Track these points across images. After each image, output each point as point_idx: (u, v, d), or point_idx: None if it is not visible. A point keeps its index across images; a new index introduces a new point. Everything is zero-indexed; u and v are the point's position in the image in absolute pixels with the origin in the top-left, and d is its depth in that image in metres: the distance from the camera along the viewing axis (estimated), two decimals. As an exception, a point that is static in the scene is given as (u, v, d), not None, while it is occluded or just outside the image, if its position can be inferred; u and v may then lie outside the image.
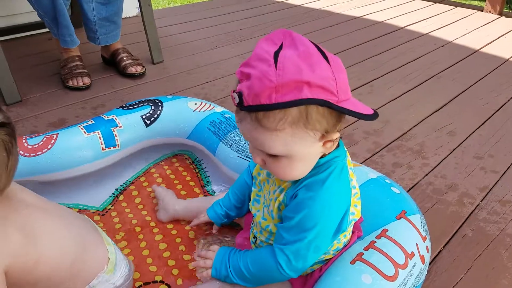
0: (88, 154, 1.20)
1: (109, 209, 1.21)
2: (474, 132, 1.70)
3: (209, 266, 0.90)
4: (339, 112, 0.68)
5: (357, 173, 0.90)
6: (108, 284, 0.87)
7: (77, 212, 1.16)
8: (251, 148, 0.76)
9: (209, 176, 1.36)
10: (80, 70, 1.94)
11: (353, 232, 0.88)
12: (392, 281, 0.81)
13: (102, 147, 1.22)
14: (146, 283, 1.00)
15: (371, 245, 0.87)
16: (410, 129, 1.70)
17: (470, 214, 1.26)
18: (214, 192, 1.30)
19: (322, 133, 0.69)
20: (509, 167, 1.48)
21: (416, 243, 0.91)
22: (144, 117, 1.33)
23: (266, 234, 0.87)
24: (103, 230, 0.98)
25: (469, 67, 2.36)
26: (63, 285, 0.80)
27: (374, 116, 0.70)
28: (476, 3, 3.90)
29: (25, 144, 1.15)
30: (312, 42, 0.68)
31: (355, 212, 0.84)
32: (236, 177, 1.23)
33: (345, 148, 0.81)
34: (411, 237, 0.92)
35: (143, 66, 2.11)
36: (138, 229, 1.15)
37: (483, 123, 1.76)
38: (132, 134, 1.30)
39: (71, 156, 1.17)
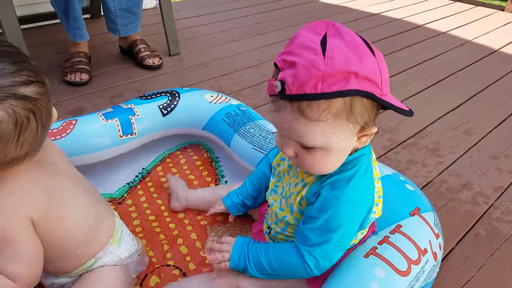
0: (105, 141, 1.22)
1: (125, 197, 1.23)
2: (490, 132, 1.68)
3: (227, 259, 0.88)
4: (381, 105, 0.66)
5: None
6: (113, 256, 0.90)
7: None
8: (282, 139, 0.73)
9: (222, 167, 1.37)
10: (81, 66, 1.92)
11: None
12: (405, 276, 0.81)
13: (120, 134, 1.25)
14: (159, 267, 1.02)
15: (385, 240, 0.87)
16: (426, 127, 1.69)
17: (484, 213, 1.25)
18: (226, 183, 1.31)
19: (362, 126, 0.69)
20: (525, 168, 1.46)
21: (429, 240, 0.91)
22: (161, 107, 1.34)
23: (282, 225, 0.87)
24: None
25: (487, 66, 2.33)
26: (76, 252, 0.85)
27: (410, 112, 0.69)
28: (497, 2, 3.83)
29: (45, 129, 1.17)
30: (356, 33, 0.67)
31: (376, 211, 0.83)
32: (250, 168, 1.25)
33: (371, 147, 0.80)
34: (424, 233, 0.92)
35: (160, 58, 2.13)
36: (152, 217, 1.17)
37: (500, 123, 1.74)
38: (149, 123, 1.31)
39: (89, 141, 1.20)
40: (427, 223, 0.94)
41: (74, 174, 0.88)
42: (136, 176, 1.32)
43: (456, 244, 1.14)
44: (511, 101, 1.94)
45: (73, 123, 1.20)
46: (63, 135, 1.16)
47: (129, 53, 2.18)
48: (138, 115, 1.30)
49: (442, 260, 1.04)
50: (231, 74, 2.11)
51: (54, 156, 0.83)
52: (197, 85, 1.94)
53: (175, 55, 2.27)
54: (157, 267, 1.02)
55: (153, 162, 1.37)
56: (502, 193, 1.34)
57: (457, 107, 1.87)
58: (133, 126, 1.28)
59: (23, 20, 2.39)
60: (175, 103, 1.36)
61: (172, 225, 1.15)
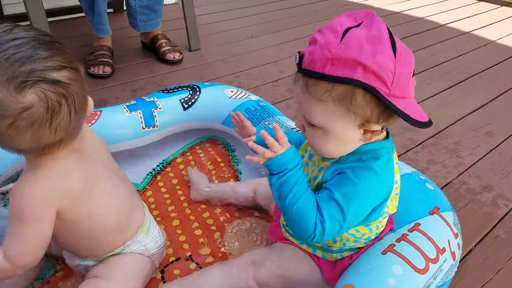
0: (128, 132, 1.25)
1: (147, 188, 1.26)
2: (513, 134, 1.65)
3: (268, 156, 0.75)
4: (385, 105, 0.66)
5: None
6: (140, 245, 0.93)
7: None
8: (296, 111, 0.77)
9: (239, 162, 1.38)
10: (104, 59, 1.96)
11: (385, 224, 0.88)
12: (423, 274, 0.81)
13: (142, 126, 1.27)
14: (177, 259, 1.04)
15: (403, 238, 0.87)
16: (447, 127, 1.67)
17: (504, 216, 1.23)
18: (243, 177, 1.32)
19: (363, 121, 0.69)
20: (548, 172, 1.44)
21: (448, 239, 0.91)
22: (182, 101, 1.37)
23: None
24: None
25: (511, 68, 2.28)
26: (107, 239, 0.87)
27: (422, 124, 0.67)
28: (523, 2, 3.74)
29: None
30: (389, 30, 0.67)
31: (390, 206, 0.83)
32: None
33: (392, 143, 0.79)
34: (443, 233, 0.92)
35: (181, 53, 2.16)
36: (171, 208, 1.19)
37: (523, 126, 1.71)
38: (171, 116, 1.34)
39: (113, 132, 1.23)
40: (446, 222, 0.94)
41: (112, 166, 0.90)
42: (158, 165, 1.34)
43: (475, 246, 1.13)
44: (535, 103, 1.90)
45: (98, 114, 1.22)
46: (88, 125, 1.19)
47: (151, 48, 2.21)
48: (160, 108, 1.32)
49: (460, 261, 1.03)
50: (250, 70, 2.12)
51: (94, 146, 0.84)
52: (216, 80, 1.96)
53: (195, 51, 2.29)
54: (175, 259, 1.04)
55: (173, 155, 1.40)
56: (523, 196, 1.32)
57: (479, 108, 1.84)
58: (155, 118, 1.30)
59: (50, 13, 2.44)
60: (196, 97, 1.38)
61: (191, 217, 1.16)
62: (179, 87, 1.41)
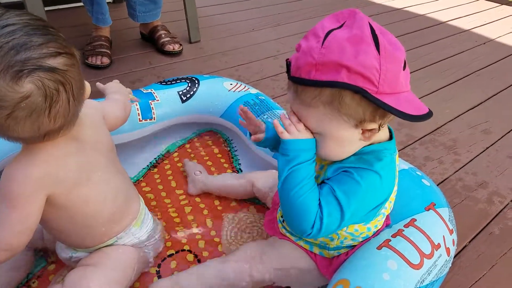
0: (125, 124, 1.24)
1: (141, 180, 1.26)
2: (509, 132, 1.65)
3: (286, 137, 0.73)
4: (374, 103, 0.65)
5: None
6: (133, 237, 0.93)
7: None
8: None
9: (238, 155, 1.38)
10: (103, 50, 1.95)
11: (383, 223, 0.89)
12: (417, 269, 0.82)
13: (139, 118, 1.27)
14: (177, 252, 1.04)
15: (398, 233, 0.87)
16: (444, 124, 1.68)
17: (499, 213, 1.24)
18: (241, 171, 1.32)
19: (357, 121, 0.68)
20: (544, 170, 1.45)
21: (443, 235, 0.91)
22: (180, 93, 1.36)
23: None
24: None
25: (510, 66, 2.28)
26: (100, 229, 0.87)
27: (418, 117, 0.67)
28: (523, 1, 3.73)
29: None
30: (372, 27, 0.65)
31: (387, 207, 0.83)
32: (266, 157, 1.26)
33: (395, 144, 0.79)
34: (438, 228, 0.92)
35: (181, 45, 2.15)
36: (167, 200, 1.19)
37: (520, 124, 1.72)
38: (168, 108, 1.33)
39: (110, 124, 1.22)
40: (442, 218, 0.95)
41: (111, 156, 0.89)
42: (154, 158, 1.34)
43: (469, 242, 1.14)
44: (533, 102, 1.90)
45: (95, 104, 1.22)
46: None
47: (150, 39, 2.20)
48: (158, 100, 1.32)
49: (454, 257, 1.04)
50: (250, 63, 2.11)
51: (96, 135, 0.84)
52: (216, 73, 1.95)
53: (195, 43, 2.28)
54: (172, 253, 1.04)
55: (170, 147, 1.40)
56: (518, 194, 1.33)
57: (477, 105, 1.84)
58: (153, 111, 1.30)
59: (47, 1, 2.42)
60: (194, 89, 1.38)
61: (187, 209, 1.17)
62: (178, 79, 1.41)
